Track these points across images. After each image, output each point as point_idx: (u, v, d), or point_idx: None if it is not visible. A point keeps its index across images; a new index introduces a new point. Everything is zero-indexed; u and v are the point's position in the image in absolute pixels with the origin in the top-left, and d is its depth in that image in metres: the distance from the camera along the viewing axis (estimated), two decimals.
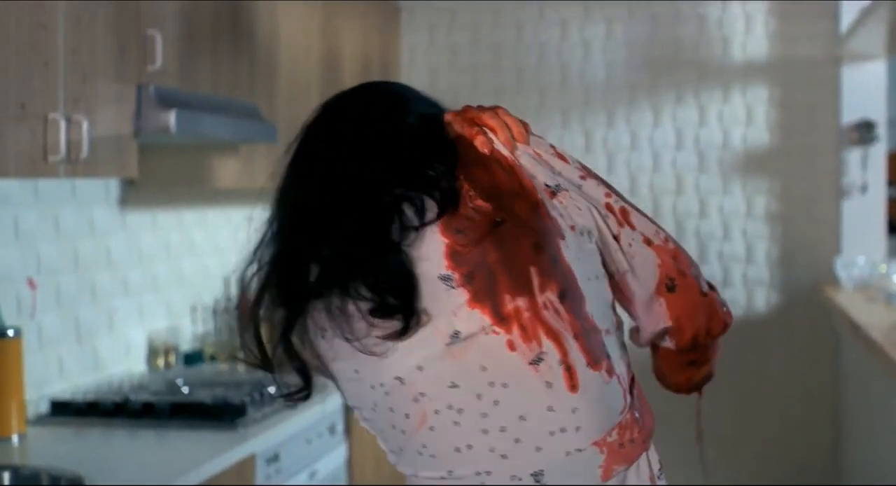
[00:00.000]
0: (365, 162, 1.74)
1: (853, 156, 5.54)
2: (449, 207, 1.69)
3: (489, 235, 1.68)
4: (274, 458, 3.41)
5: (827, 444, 5.58)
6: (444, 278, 1.68)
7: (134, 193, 4.10)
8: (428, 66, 5.91)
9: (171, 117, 3.21)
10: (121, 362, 4.04)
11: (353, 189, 1.72)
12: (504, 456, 1.70)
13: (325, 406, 3.81)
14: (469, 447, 1.71)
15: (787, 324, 5.63)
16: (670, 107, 5.70)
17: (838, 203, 5.56)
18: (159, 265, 4.30)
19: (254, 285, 1.77)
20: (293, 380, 1.84)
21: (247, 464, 3.21)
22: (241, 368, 4.43)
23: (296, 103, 4.50)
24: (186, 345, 4.50)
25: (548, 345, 1.69)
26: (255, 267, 1.77)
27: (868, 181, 5.51)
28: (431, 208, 1.69)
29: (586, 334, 1.73)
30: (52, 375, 3.63)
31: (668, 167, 5.71)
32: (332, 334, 1.72)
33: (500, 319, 1.68)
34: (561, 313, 1.71)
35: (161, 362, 4.23)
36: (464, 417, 1.70)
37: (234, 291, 4.82)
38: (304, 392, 1.81)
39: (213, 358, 4.54)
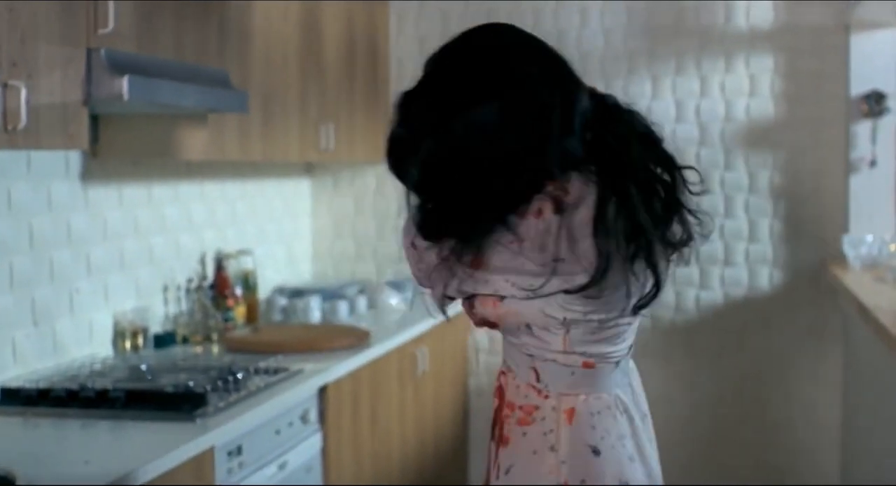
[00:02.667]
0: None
1: (862, 128, 5.30)
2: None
3: None
4: (236, 451, 3.18)
5: (833, 426, 5.38)
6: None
7: (98, 167, 3.87)
8: (417, 33, 5.66)
9: (124, 83, 2.97)
10: (84, 345, 3.81)
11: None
12: None
13: (297, 393, 3.57)
14: None
15: (791, 304, 5.41)
16: (670, 76, 5.45)
17: (846, 178, 5.32)
18: (126, 242, 4.07)
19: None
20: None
21: (205, 458, 2.97)
22: (214, 350, 4.22)
23: (272, 71, 4.26)
24: (157, 326, 4.28)
25: None
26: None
27: (877, 155, 5.27)
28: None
29: None
30: (5, 360, 3.40)
31: (668, 140, 5.43)
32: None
33: None
34: None
35: (128, 345, 4.00)
36: None
37: (210, 268, 4.62)
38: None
39: (185, 340, 4.32)
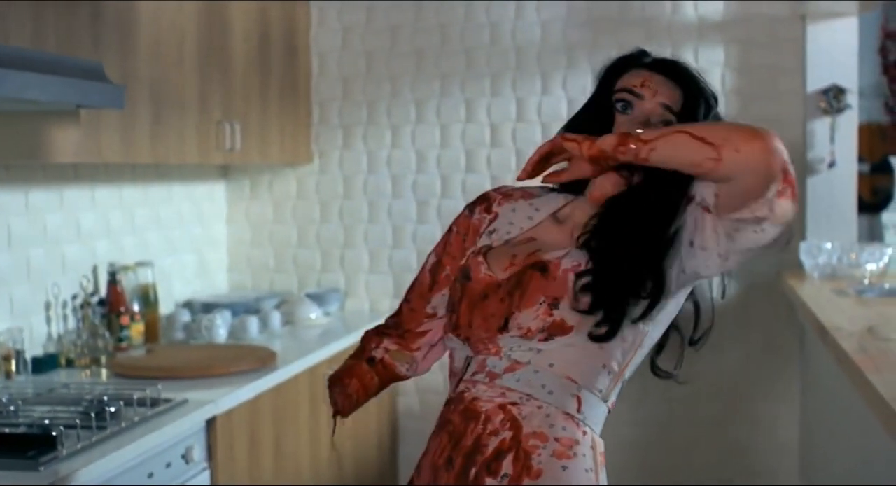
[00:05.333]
0: None
1: (820, 126, 4.92)
2: None
3: None
4: None
5: (791, 446, 5.04)
6: None
7: None
8: (341, 25, 5.24)
9: None
10: None
11: None
12: None
13: (177, 428, 3.14)
14: None
15: (745, 316, 5.02)
16: None
17: (803, 180, 4.92)
18: None
19: None
20: None
21: None
22: (103, 374, 3.78)
23: (163, 65, 3.82)
24: (39, 348, 3.84)
25: None
26: None
27: (837, 155, 4.89)
28: None
29: None
30: None
31: None
32: None
33: None
34: None
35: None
36: None
37: (102, 282, 4.18)
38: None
39: (70, 363, 3.88)
